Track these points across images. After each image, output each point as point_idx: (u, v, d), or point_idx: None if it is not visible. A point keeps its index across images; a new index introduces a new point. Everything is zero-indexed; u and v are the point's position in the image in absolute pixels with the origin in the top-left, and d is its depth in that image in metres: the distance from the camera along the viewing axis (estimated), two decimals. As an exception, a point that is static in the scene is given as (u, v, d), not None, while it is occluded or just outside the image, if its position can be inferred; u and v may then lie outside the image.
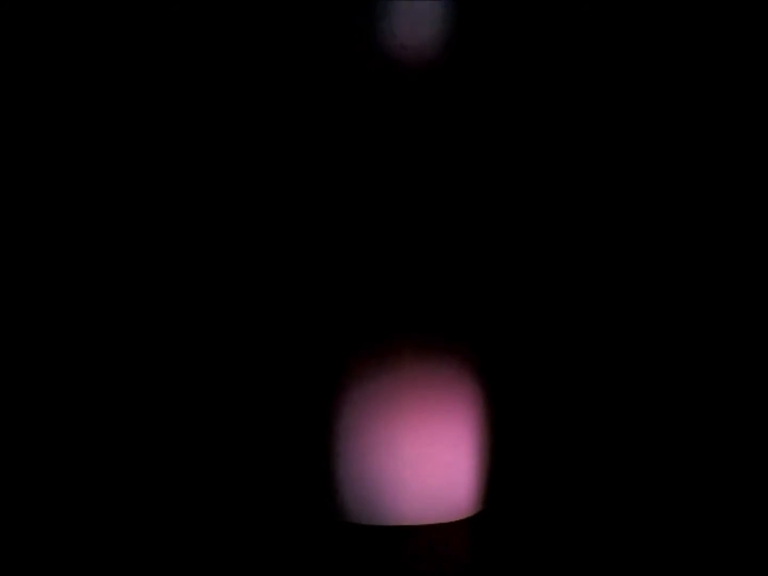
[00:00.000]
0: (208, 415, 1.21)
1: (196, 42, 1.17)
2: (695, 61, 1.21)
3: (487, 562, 1.01)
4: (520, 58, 1.12)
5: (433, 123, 1.06)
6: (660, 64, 1.21)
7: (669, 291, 1.23)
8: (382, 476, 1.08)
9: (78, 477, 1.17)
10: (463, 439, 1.09)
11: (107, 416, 1.21)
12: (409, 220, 1.06)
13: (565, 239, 1.23)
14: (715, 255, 1.22)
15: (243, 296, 1.19)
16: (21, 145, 1.18)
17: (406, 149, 1.06)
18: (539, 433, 1.25)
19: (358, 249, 1.07)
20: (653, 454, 1.23)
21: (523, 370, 1.23)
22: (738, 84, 1.21)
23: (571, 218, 1.23)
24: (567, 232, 1.23)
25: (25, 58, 1.18)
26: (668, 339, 1.24)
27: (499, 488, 1.14)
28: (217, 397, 1.21)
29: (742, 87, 1.21)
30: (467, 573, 1.00)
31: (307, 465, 1.11)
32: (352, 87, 1.05)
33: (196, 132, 1.18)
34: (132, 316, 1.20)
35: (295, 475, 1.13)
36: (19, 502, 1.12)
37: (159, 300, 1.20)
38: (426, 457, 1.08)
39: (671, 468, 1.22)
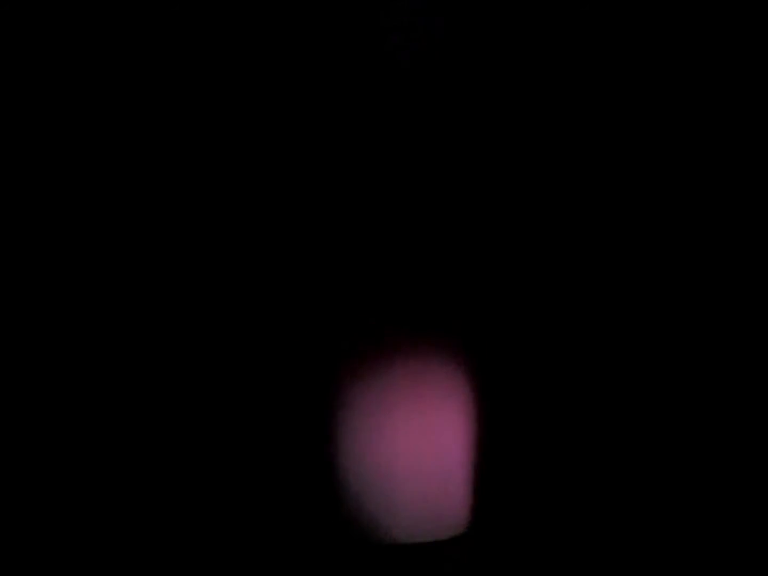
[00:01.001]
0: (205, 420, 1.21)
1: (195, 41, 1.17)
2: (694, 61, 1.21)
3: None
4: (519, 57, 1.12)
5: (430, 120, 1.06)
6: (661, 64, 1.21)
7: (667, 289, 1.23)
8: (375, 496, 1.08)
9: (78, 479, 1.17)
10: (455, 456, 1.09)
11: (106, 418, 1.21)
12: (406, 218, 1.06)
13: (560, 237, 1.23)
14: (714, 254, 1.22)
15: (239, 297, 1.19)
16: (21, 146, 1.19)
17: (402, 144, 1.06)
18: (532, 449, 1.24)
19: (355, 250, 1.07)
20: (651, 465, 1.23)
21: (518, 386, 1.23)
22: (738, 84, 1.21)
23: (566, 213, 1.22)
24: (562, 229, 1.23)
25: (24, 57, 1.18)
26: (669, 344, 1.24)
27: (491, 505, 1.14)
28: (212, 403, 1.21)
29: (742, 87, 1.21)
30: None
31: (299, 485, 1.10)
32: (350, 84, 1.05)
33: (195, 129, 1.18)
34: (130, 316, 1.20)
35: (287, 497, 1.12)
36: (19, 502, 1.12)
37: (156, 299, 1.20)
38: (418, 476, 1.08)
39: (671, 476, 1.22)
